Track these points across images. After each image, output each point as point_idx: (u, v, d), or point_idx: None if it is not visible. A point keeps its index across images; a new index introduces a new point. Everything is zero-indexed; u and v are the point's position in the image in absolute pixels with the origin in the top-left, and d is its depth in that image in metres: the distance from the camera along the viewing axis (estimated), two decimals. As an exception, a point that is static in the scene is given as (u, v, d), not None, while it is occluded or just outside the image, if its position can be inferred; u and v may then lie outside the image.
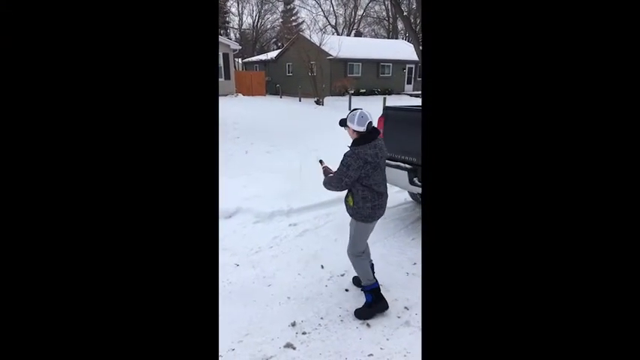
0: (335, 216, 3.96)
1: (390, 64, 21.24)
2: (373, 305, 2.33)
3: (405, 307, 2.42)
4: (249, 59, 27.27)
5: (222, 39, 16.38)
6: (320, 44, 17.77)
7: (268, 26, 38.34)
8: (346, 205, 2.32)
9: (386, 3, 32.33)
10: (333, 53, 17.93)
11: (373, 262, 2.61)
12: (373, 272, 2.57)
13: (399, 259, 3.07)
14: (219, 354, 2.01)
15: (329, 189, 2.28)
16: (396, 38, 32.58)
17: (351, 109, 2.33)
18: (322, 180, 2.34)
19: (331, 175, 2.27)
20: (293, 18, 37.97)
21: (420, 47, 18.61)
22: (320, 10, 48.77)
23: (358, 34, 32.00)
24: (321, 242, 3.38)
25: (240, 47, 21.24)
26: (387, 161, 3.71)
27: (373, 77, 20.67)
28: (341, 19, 37.13)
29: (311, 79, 16.08)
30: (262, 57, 25.89)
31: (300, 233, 3.54)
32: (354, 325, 2.26)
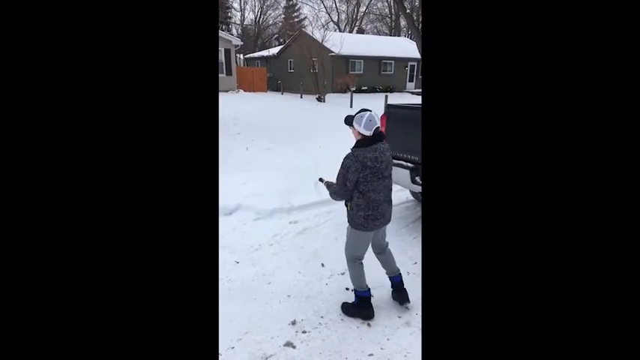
0: (335, 214, 3.95)
1: (392, 62, 21.16)
2: (356, 308, 2.32)
3: (406, 307, 2.41)
4: (251, 55, 27.18)
5: (223, 34, 16.32)
6: (322, 41, 17.70)
7: (270, 22, 38.20)
8: (346, 208, 2.27)
9: (388, 0, 32.20)
10: (335, 50, 17.85)
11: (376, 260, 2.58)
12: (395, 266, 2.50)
13: (401, 259, 3.04)
14: (219, 352, 2.00)
15: (337, 199, 2.23)
16: (399, 35, 32.45)
17: (361, 108, 2.18)
18: (329, 193, 2.28)
19: (334, 184, 2.22)
20: (295, 14, 37.82)
21: (423, 45, 18.54)
22: (322, 6, 48.64)
23: (360, 31, 31.87)
24: (322, 240, 3.36)
25: (242, 43, 21.15)
26: (389, 160, 3.70)
27: (375, 74, 20.59)
28: (343, 16, 37.01)
29: (313, 75, 16.03)
30: (264, 53, 25.79)
31: (300, 231, 3.53)
32: (354, 324, 2.25)
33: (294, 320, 2.27)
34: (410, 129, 3.48)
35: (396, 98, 14.31)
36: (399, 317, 2.32)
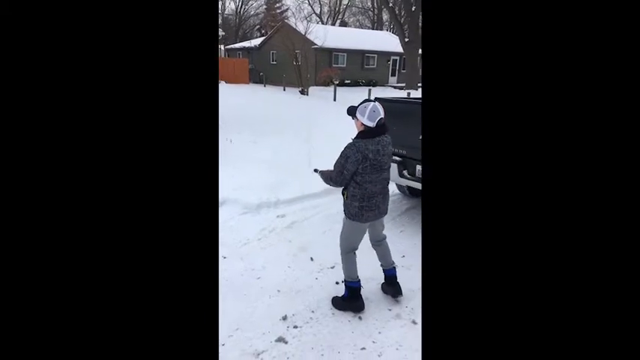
0: (323, 208, 3.93)
1: (375, 56, 21.21)
2: (347, 301, 2.31)
3: (396, 300, 2.42)
4: (232, 46, 26.67)
5: (204, 24, 15.87)
6: (305, 33, 17.53)
7: (252, 12, 37.56)
8: (343, 197, 2.26)
9: (371, -7, 32.13)
10: (319, 42, 17.73)
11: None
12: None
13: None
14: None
15: (331, 185, 2.20)
16: (381, 29, 32.49)
17: (365, 99, 2.18)
18: (323, 179, 2.26)
19: (330, 170, 2.19)
20: (277, 5, 37.26)
21: (406, 39, 18.65)
22: (305, -3, 48.03)
23: (343, 24, 31.74)
24: (310, 234, 3.34)
25: (223, 33, 20.71)
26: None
27: (358, 68, 20.60)
28: (326, 8, 36.73)
29: (295, 68, 15.87)
30: (246, 44, 25.36)
31: (288, 225, 3.50)
32: (345, 318, 2.25)
33: (285, 315, 2.25)
34: (397, 123, 3.49)
35: (378, 92, 14.36)
36: (389, 310, 2.34)
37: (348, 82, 19.35)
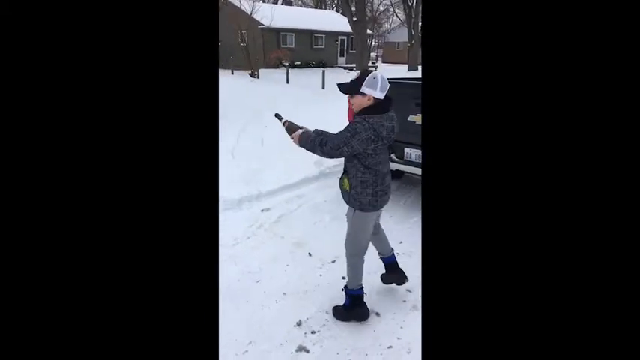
0: (307, 198, 3.76)
1: (324, 36, 20.92)
2: (349, 310, 2.08)
3: (408, 290, 2.36)
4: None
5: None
6: (251, 12, 16.71)
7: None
8: (341, 189, 1.98)
9: (314, -29, 31.38)
10: (266, 22, 17.03)
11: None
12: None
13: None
14: (226, 371, 1.75)
15: (316, 152, 1.83)
16: (324, 9, 32.05)
17: (362, 70, 1.91)
18: (292, 140, 1.89)
19: (311, 134, 1.83)
20: (215, -18, 35.08)
21: (354, 18, 18.50)
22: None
23: (287, 3, 30.81)
24: (301, 227, 3.17)
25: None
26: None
27: (307, 49, 20.21)
28: (267, -14, 35.33)
29: (243, 49, 15.13)
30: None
31: (275, 219, 3.28)
32: (369, 321, 2.12)
33: (299, 320, 2.08)
34: (383, 105, 3.38)
35: (330, 74, 14.21)
36: (405, 301, 2.27)
37: (298, 63, 18.93)
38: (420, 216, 3.28)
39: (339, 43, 22.13)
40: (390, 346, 1.92)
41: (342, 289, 2.13)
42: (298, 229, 3.14)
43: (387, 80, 1.79)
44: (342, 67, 21.06)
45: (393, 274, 2.32)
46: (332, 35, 21.17)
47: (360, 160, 1.80)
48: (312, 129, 1.96)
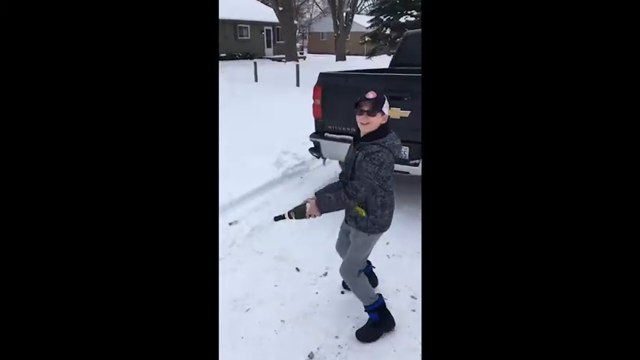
0: (275, 204, 3.45)
1: (248, 26, 20.14)
2: (380, 325, 1.93)
3: (412, 297, 2.22)
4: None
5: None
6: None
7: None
8: (354, 218, 1.80)
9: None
10: (185, 11, 15.80)
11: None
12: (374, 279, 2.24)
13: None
14: None
15: (347, 207, 1.73)
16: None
17: (370, 90, 1.66)
18: (312, 217, 1.73)
19: (327, 197, 1.69)
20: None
21: (280, 8, 18.03)
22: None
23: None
24: (279, 238, 2.87)
25: None
26: (331, 135, 3.36)
27: (232, 40, 19.29)
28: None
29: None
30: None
31: (248, 233, 2.94)
32: (385, 338, 1.94)
33: (310, 353, 1.83)
34: (351, 100, 3.18)
35: (261, 66, 13.71)
36: (414, 311, 2.12)
37: (224, 55, 17.97)
38: (404, 214, 3.20)
39: (264, 33, 21.49)
40: (417, 349, 1.76)
41: (364, 310, 1.94)
42: (276, 241, 2.84)
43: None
44: (270, 58, 20.50)
45: (371, 279, 2.22)
46: (257, 25, 20.44)
47: (381, 185, 1.70)
48: (312, 195, 1.83)
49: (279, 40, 21.84)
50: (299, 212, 1.74)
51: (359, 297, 1.93)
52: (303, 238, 2.89)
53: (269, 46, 22.07)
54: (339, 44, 21.58)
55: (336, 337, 1.94)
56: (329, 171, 4.22)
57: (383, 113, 1.64)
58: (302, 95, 8.62)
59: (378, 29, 12.44)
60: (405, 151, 3.00)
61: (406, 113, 2.86)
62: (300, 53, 22.81)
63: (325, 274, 2.46)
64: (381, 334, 1.91)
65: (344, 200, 1.65)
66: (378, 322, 1.92)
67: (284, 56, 19.18)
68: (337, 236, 2.14)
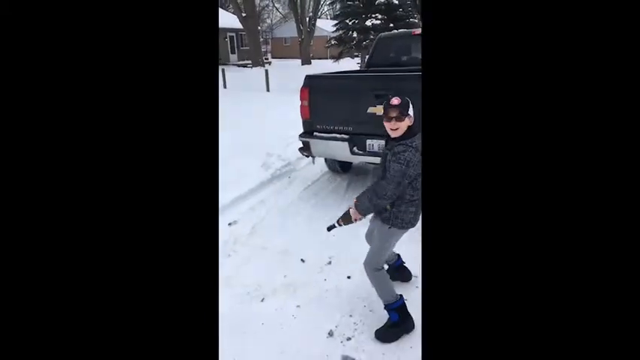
0: (270, 203, 3.57)
1: (212, 33, 19.91)
2: (400, 325, 1.93)
3: (417, 287, 2.41)
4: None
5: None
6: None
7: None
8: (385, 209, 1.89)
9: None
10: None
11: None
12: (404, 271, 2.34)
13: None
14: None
15: (380, 207, 1.82)
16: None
17: (392, 95, 1.79)
18: (355, 221, 1.88)
19: (362, 200, 1.82)
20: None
21: (243, 14, 18.01)
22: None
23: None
24: (279, 234, 3.00)
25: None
26: (321, 134, 3.53)
27: (195, 47, 19.00)
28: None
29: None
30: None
31: (249, 231, 3.04)
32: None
33: (330, 330, 1.98)
34: (338, 100, 3.37)
35: (229, 73, 13.67)
36: (417, 287, 2.33)
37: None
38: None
39: (228, 40, 21.35)
40: None
41: (384, 308, 1.98)
42: (277, 236, 2.97)
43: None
44: (235, 64, 20.40)
45: (400, 272, 2.36)
46: (221, 32, 20.28)
47: (411, 183, 1.77)
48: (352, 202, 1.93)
49: (243, 46, 21.80)
50: (346, 219, 1.91)
51: (378, 293, 1.98)
52: (301, 232, 3.03)
53: (233, 52, 21.97)
54: (304, 48, 21.85)
55: (350, 315, 2.10)
56: (316, 170, 4.39)
57: (410, 116, 1.74)
58: (274, 100, 8.75)
59: (344, 33, 12.78)
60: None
61: (391, 110, 3.09)
62: (265, 59, 22.87)
63: (330, 263, 2.61)
64: (400, 336, 1.93)
65: (375, 201, 1.78)
66: (397, 323, 1.93)
67: (250, 62, 19.18)
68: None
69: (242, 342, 1.92)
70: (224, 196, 3.48)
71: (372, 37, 10.14)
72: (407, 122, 1.75)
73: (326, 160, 4.20)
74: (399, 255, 2.38)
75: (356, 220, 1.89)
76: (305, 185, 4.04)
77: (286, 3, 28.49)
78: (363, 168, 4.46)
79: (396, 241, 1.98)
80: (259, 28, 23.24)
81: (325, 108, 3.44)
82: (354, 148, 3.39)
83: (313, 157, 3.69)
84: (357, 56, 13.32)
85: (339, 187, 3.97)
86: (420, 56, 4.88)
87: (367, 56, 5.41)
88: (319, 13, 26.98)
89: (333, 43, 13.76)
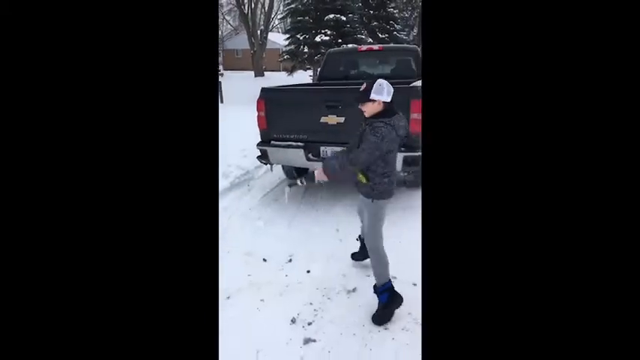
0: (231, 209, 3.71)
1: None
2: (390, 306, 2.14)
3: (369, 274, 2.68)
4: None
5: None
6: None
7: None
8: (357, 183, 2.13)
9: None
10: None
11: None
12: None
13: (314, 231, 3.27)
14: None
15: (354, 166, 2.00)
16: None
17: (369, 80, 2.02)
18: (318, 177, 2.04)
19: (331, 161, 2.00)
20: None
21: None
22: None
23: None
24: (241, 238, 3.15)
25: None
26: (277, 142, 3.74)
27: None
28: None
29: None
30: None
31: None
32: (353, 302, 2.36)
33: (293, 318, 2.18)
34: (293, 111, 3.61)
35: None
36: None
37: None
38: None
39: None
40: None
41: (374, 292, 2.18)
42: (239, 240, 3.12)
43: (390, 86, 1.99)
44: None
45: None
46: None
47: (383, 158, 2.00)
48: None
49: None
50: (309, 178, 2.13)
51: (376, 274, 2.16)
52: (262, 234, 3.21)
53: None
54: (256, 61, 22.02)
55: (311, 303, 2.32)
56: (274, 177, 4.58)
57: (373, 101, 1.95)
58: (230, 111, 8.81)
59: (295, 47, 13.17)
60: (343, 151, 3.52)
61: (341, 119, 3.38)
62: (218, 70, 22.71)
63: (290, 261, 2.82)
64: (393, 313, 2.13)
65: (344, 165, 1.99)
66: (387, 304, 2.13)
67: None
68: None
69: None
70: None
71: (322, 51, 10.58)
72: (373, 106, 1.97)
73: (283, 167, 4.41)
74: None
75: (318, 180, 2.09)
76: (264, 192, 4.22)
77: (237, 15, 28.53)
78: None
79: (384, 213, 2.16)
80: (210, 40, 23.01)
81: (282, 118, 3.66)
82: (309, 155, 3.64)
83: (271, 164, 3.89)
84: (309, 69, 13.73)
85: (297, 193, 4.19)
86: (367, 71, 5.31)
87: (319, 69, 5.73)
88: (271, 27, 27.36)
89: (285, 57, 14.10)
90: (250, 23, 22.47)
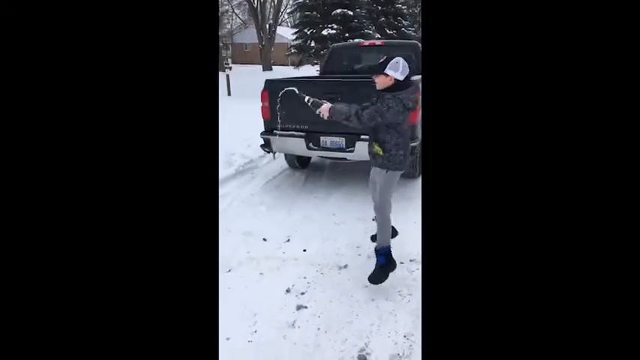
0: (233, 195, 3.93)
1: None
2: (386, 268, 2.35)
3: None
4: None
5: None
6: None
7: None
8: (373, 155, 2.31)
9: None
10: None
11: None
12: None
13: (312, 216, 3.47)
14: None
15: (350, 122, 2.18)
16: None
17: (387, 56, 2.21)
18: (321, 113, 2.24)
19: (342, 107, 2.17)
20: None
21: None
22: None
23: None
24: (243, 220, 3.37)
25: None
26: (280, 132, 3.95)
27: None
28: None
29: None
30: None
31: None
32: (345, 287, 2.57)
33: (288, 288, 2.39)
34: (294, 101, 3.80)
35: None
36: (369, 258, 2.79)
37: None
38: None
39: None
40: (366, 285, 2.43)
41: (375, 251, 2.41)
42: (241, 222, 3.33)
43: (407, 66, 2.17)
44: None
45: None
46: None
47: (394, 128, 2.20)
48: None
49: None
50: (315, 104, 2.30)
51: (379, 235, 2.41)
52: (263, 218, 3.43)
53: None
54: (265, 55, 22.20)
55: (305, 277, 2.53)
56: (277, 166, 4.79)
57: (386, 75, 2.13)
58: (236, 104, 9.02)
59: (303, 42, 13.32)
60: (342, 141, 3.71)
61: (340, 110, 3.57)
62: (226, 64, 22.92)
63: (288, 240, 3.03)
64: (387, 275, 2.34)
65: (348, 117, 2.17)
66: (384, 266, 2.35)
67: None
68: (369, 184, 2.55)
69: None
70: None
71: (329, 45, 10.74)
72: (385, 80, 2.16)
73: (286, 156, 4.62)
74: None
75: (321, 113, 2.31)
76: (267, 179, 4.43)
77: (246, 9, 28.68)
78: (319, 166, 4.92)
79: (394, 183, 2.37)
80: (219, 33, 23.26)
81: (284, 109, 3.86)
82: (310, 144, 3.84)
83: (274, 152, 4.10)
84: (316, 64, 13.88)
85: (298, 181, 4.40)
86: (369, 65, 5.47)
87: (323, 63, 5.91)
88: (279, 21, 27.49)
89: (292, 51, 14.26)
90: (259, 17, 22.64)
